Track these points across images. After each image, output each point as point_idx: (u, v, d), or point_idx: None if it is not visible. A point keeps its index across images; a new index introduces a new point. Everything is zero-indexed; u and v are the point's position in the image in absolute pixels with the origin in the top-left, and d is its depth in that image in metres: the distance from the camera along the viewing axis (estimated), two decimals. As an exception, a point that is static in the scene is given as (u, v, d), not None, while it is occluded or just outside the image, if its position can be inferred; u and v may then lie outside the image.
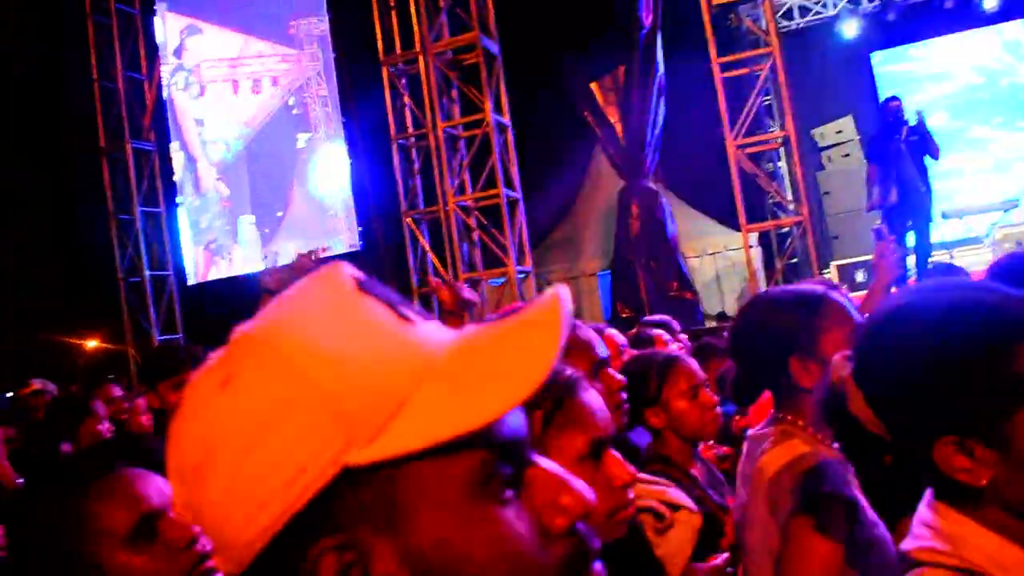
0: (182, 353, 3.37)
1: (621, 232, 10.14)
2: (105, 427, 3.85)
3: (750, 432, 1.89)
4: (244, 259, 13.02)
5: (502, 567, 0.60)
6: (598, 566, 0.66)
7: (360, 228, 11.67)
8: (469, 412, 0.58)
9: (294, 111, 12.57)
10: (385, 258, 12.06)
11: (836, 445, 1.75)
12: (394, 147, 11.14)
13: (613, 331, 3.02)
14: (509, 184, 10.47)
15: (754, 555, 1.77)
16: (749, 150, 9.83)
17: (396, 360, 0.60)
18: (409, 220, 11.12)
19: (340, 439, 0.57)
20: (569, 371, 1.40)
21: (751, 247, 10.13)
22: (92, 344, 15.40)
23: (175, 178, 13.39)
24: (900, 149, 8.28)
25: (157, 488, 1.39)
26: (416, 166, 11.22)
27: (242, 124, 12.99)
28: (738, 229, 10.06)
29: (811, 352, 1.73)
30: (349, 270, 0.66)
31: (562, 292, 0.62)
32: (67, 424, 3.82)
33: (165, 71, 13.31)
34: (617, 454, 1.39)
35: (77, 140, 13.56)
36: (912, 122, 8.37)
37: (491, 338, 0.63)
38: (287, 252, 12.44)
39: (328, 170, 12.24)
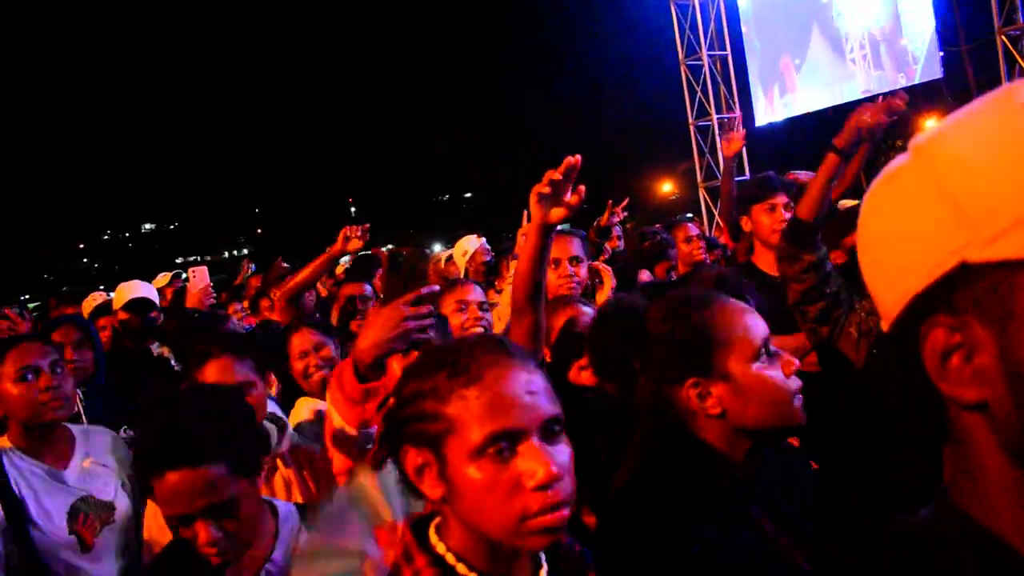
0: (775, 181, 3.52)
1: None
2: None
3: None
4: (783, 104, 12.85)
5: None
6: None
7: (942, 54, 10.55)
8: None
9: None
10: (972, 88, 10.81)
11: None
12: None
13: None
14: None
15: None
16: None
17: None
18: (1003, 38, 9.73)
19: (962, 237, 0.65)
20: None
21: None
22: (666, 187, 16.73)
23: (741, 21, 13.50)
24: None
25: (761, 324, 1.58)
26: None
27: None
28: None
29: None
30: None
31: None
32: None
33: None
34: None
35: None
36: None
37: None
38: (805, 101, 12.02)
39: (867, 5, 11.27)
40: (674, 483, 1.52)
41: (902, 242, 0.71)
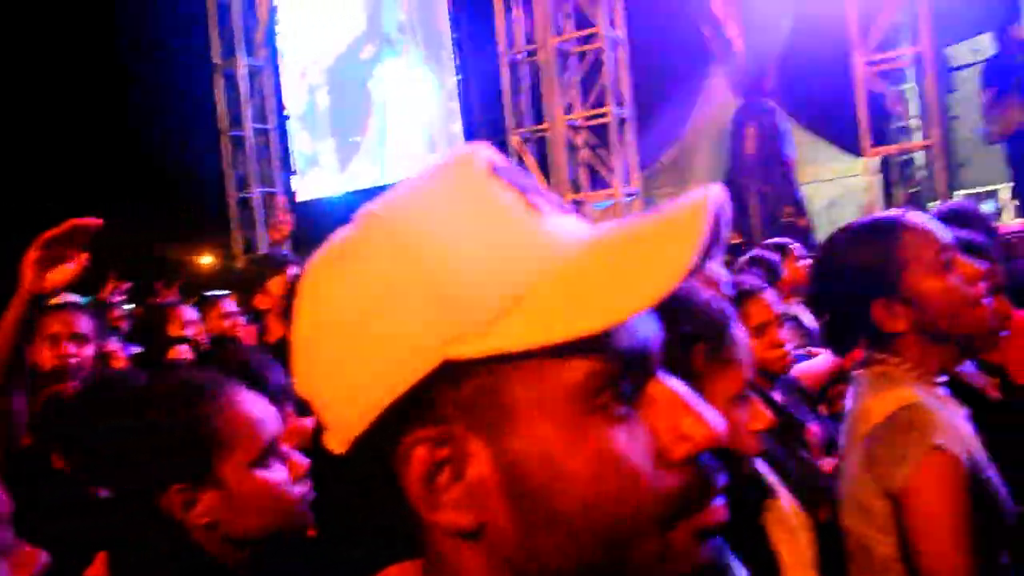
0: (288, 253, 3.41)
1: (735, 154, 9.81)
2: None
3: (854, 372, 1.74)
4: (330, 180, 13.24)
5: (605, 489, 0.56)
6: (719, 503, 0.60)
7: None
8: (586, 315, 0.53)
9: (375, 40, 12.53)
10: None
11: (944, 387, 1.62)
12: (504, 63, 10.95)
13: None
14: (620, 102, 10.21)
15: (846, 509, 1.61)
16: (878, 67, 9.25)
17: (515, 252, 0.56)
18: (516, 139, 10.98)
19: (444, 330, 0.55)
20: (724, 304, 1.32)
21: (873, 175, 9.68)
22: (206, 260, 15.97)
23: (284, 95, 13.53)
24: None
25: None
26: (526, 83, 11.01)
27: (329, 44, 13.00)
28: (857, 154, 9.60)
29: (895, 292, 1.57)
30: (486, 152, 0.61)
31: (713, 193, 0.55)
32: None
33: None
34: (758, 399, 1.33)
35: (191, 57, 13.79)
36: None
37: (624, 236, 0.57)
38: (368, 175, 12.63)
39: (417, 92, 12.21)
40: None
41: (365, 341, 0.57)
